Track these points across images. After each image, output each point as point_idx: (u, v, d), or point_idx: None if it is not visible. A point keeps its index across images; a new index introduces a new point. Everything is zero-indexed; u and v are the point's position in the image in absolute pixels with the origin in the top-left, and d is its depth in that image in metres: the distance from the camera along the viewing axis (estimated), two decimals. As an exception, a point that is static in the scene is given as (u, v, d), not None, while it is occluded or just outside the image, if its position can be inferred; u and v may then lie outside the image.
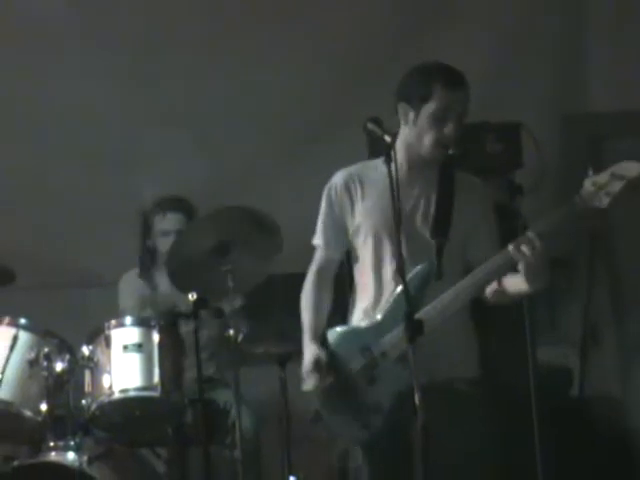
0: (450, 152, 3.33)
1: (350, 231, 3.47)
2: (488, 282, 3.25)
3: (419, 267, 3.28)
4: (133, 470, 4.14)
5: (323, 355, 3.37)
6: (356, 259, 3.50)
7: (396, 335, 3.23)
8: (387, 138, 3.09)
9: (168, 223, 4.57)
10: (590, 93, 4.99)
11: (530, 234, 3.11)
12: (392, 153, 3.04)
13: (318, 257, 3.55)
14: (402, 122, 3.37)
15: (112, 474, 3.95)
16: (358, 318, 3.47)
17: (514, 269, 3.17)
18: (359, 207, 3.44)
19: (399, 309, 3.14)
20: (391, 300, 3.33)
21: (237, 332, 3.91)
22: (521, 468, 3.31)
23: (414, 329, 2.91)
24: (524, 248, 3.10)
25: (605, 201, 3.05)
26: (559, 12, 5.01)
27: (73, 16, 4.89)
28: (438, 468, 2.89)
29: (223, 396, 4.29)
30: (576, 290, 4.48)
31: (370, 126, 3.19)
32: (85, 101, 4.91)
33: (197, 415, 4.01)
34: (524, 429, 3.23)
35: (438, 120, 3.28)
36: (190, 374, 4.03)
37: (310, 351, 3.40)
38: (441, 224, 3.34)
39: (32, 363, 4.03)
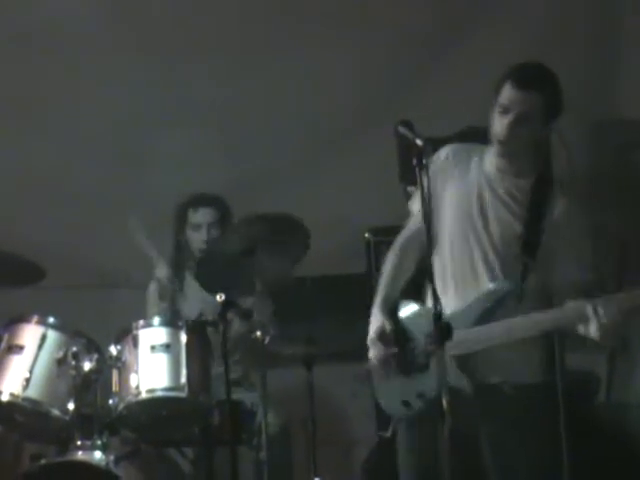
0: None
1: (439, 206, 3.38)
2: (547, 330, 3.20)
3: (507, 284, 3.25)
4: (159, 470, 4.15)
5: (389, 326, 3.37)
6: (438, 244, 3.41)
7: (461, 335, 3.16)
8: (419, 142, 3.07)
9: (200, 217, 4.63)
10: (621, 100, 4.95)
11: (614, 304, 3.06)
12: (424, 158, 3.04)
13: (411, 223, 3.50)
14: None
15: (138, 474, 3.97)
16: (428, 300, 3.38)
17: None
18: (451, 189, 3.39)
19: (470, 312, 3.22)
20: (470, 301, 3.28)
21: (264, 334, 3.92)
22: (548, 472, 3.29)
23: (442, 333, 2.91)
24: (600, 312, 3.05)
25: None
26: (591, 17, 4.98)
27: (94, 16, 4.92)
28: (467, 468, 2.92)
29: (250, 398, 4.30)
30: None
31: (402, 129, 3.17)
32: (114, 102, 4.93)
33: (224, 416, 4.02)
34: (551, 434, 3.21)
35: (499, 114, 3.28)
36: (217, 375, 4.04)
37: (377, 320, 3.40)
38: (528, 243, 3.27)
39: (60, 362, 4.04)
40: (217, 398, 4.01)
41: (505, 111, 3.27)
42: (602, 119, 4.93)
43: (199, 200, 4.66)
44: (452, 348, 3.09)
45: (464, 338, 3.18)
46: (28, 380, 3.99)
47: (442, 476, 2.89)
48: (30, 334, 4.09)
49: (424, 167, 3.01)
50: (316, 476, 4.08)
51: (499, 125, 3.28)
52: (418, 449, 3.35)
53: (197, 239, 4.61)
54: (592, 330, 3.06)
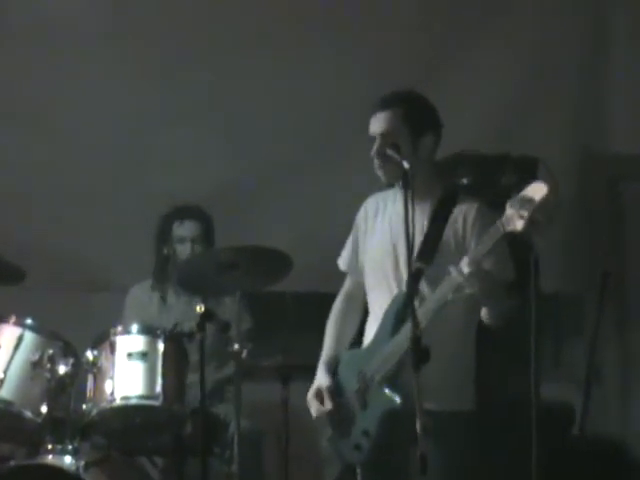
0: (464, 181, 3.36)
1: (360, 257, 3.49)
2: (440, 309, 3.17)
3: (393, 299, 3.30)
4: (129, 478, 4.14)
5: (325, 382, 3.42)
6: (366, 284, 3.50)
7: (379, 357, 3.24)
8: (405, 165, 3.10)
9: (185, 230, 4.63)
10: (611, 133, 4.98)
11: (466, 261, 3.09)
12: (409, 180, 3.05)
13: (346, 282, 3.59)
14: None
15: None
16: (366, 341, 3.47)
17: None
18: (368, 237, 3.47)
19: (383, 331, 3.27)
20: (378, 322, 3.34)
21: (242, 347, 3.91)
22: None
23: (420, 356, 2.90)
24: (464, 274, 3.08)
25: (519, 225, 2.96)
26: (581, 51, 5.02)
27: (100, 15, 4.92)
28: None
29: (223, 410, 4.29)
30: (583, 328, 4.47)
31: (389, 152, 3.21)
32: (108, 101, 4.93)
33: (197, 426, 4.01)
34: (523, 465, 3.20)
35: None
36: (192, 383, 4.03)
37: (317, 379, 3.46)
38: (426, 250, 3.30)
39: (35, 364, 4.02)
40: (191, 407, 4.01)
41: (373, 140, 3.34)
42: (592, 152, 4.95)
43: (184, 213, 4.66)
44: (378, 373, 3.21)
45: (381, 359, 3.23)
46: (2, 381, 3.98)
47: None
48: (7, 334, 4.08)
49: (408, 190, 3.03)
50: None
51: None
52: None
53: (182, 252, 4.60)
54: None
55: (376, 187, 3.48)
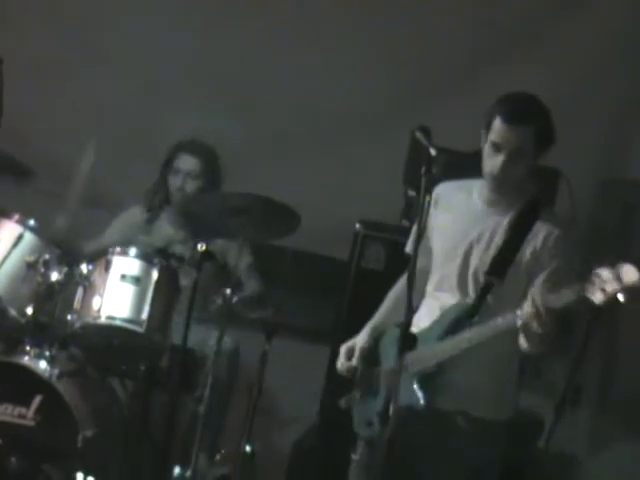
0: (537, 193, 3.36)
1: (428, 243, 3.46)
2: (486, 341, 3.14)
3: (457, 304, 3.28)
4: (98, 394, 4.21)
5: (362, 343, 3.46)
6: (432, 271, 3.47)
7: (423, 352, 3.19)
8: (432, 151, 3.08)
9: (182, 163, 4.68)
10: (631, 160, 5.01)
11: (538, 303, 3.01)
12: (432, 167, 3.06)
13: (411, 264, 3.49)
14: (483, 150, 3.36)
15: (77, 393, 4.02)
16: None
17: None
18: (438, 222, 3.42)
19: (437, 330, 3.25)
20: (433, 317, 3.32)
21: (233, 292, 3.95)
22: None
23: (407, 342, 2.94)
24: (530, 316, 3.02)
25: (598, 298, 2.89)
26: (605, 78, 5.02)
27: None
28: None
29: (201, 331, 4.30)
30: (568, 347, 4.49)
31: (418, 134, 3.19)
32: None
33: (173, 361, 4.07)
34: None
35: (492, 151, 3.26)
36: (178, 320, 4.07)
37: (358, 336, 3.49)
38: (500, 263, 3.27)
39: (30, 265, 4.09)
40: (172, 342, 4.06)
41: (497, 149, 3.25)
42: (613, 177, 4.97)
43: (186, 147, 4.70)
44: (414, 365, 3.16)
45: (422, 354, 3.21)
46: (-7, 276, 4.05)
47: None
48: (8, 230, 4.14)
49: (431, 176, 3.04)
50: (248, 442, 4.12)
51: (492, 163, 3.26)
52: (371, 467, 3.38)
53: (173, 183, 4.66)
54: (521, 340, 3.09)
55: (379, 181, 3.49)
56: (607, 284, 2.86)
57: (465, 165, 3.55)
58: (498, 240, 3.29)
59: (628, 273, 2.86)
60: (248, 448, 4.11)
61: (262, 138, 5.04)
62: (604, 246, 3.79)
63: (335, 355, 3.58)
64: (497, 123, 3.24)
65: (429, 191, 3.03)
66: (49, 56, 4.96)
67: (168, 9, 5.09)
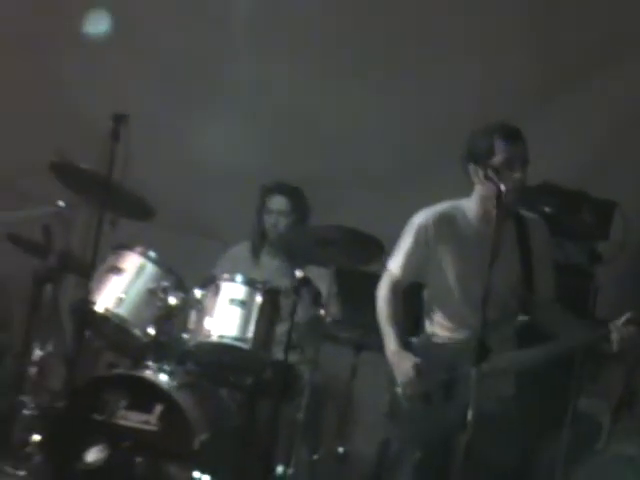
0: (546, 210, 3.89)
1: (431, 264, 3.94)
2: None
3: (519, 319, 3.80)
4: (211, 404, 4.76)
5: (420, 362, 3.83)
6: (432, 287, 4.00)
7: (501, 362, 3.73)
8: (502, 187, 3.59)
9: (274, 204, 5.24)
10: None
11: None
12: (499, 203, 3.57)
13: (392, 278, 4.02)
14: (475, 181, 3.86)
15: (193, 402, 4.56)
16: (440, 334, 3.98)
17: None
18: (446, 248, 3.91)
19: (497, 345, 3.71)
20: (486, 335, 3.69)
21: (327, 314, 4.52)
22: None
23: (482, 354, 3.46)
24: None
25: (615, 347, 3.58)
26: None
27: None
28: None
29: (299, 361, 4.87)
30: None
31: (490, 174, 3.71)
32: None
33: (276, 373, 4.62)
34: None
35: (507, 169, 3.74)
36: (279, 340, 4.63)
37: (406, 358, 3.85)
38: (528, 280, 3.82)
39: (151, 292, 4.71)
40: (275, 357, 4.63)
41: (511, 166, 3.74)
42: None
43: (275, 188, 5.25)
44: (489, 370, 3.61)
45: (499, 362, 3.71)
46: (121, 300, 4.68)
47: None
48: (132, 261, 4.77)
49: (502, 211, 3.56)
50: (341, 445, 4.67)
51: (516, 177, 3.75)
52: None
53: (268, 222, 5.23)
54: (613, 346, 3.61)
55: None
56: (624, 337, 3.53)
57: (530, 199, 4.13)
58: (510, 257, 3.80)
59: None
60: (341, 450, 4.68)
61: (345, 172, 5.56)
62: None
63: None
64: (502, 145, 3.74)
65: (500, 220, 3.56)
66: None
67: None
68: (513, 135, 3.79)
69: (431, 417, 3.86)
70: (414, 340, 4.01)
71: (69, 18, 5.43)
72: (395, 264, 4.03)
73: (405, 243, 3.99)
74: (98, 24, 5.42)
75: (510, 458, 3.80)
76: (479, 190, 3.88)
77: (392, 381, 3.94)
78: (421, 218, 3.96)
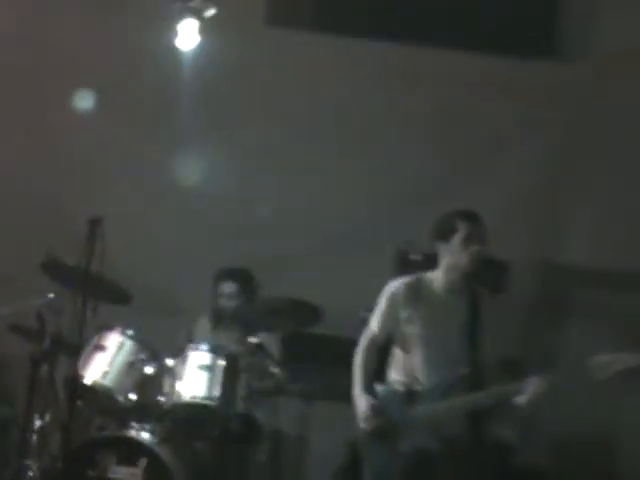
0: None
1: (401, 325, 4.74)
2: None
3: (462, 370, 4.59)
4: (187, 454, 5.58)
5: (373, 402, 4.65)
6: (399, 342, 4.78)
7: (429, 408, 4.57)
8: (414, 257, 4.55)
9: (225, 288, 6.12)
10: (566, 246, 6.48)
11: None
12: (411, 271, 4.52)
13: (370, 335, 4.83)
14: (442, 255, 4.73)
15: (172, 454, 5.38)
16: (394, 383, 4.77)
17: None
18: (415, 313, 4.71)
19: (433, 394, 4.59)
20: (430, 386, 4.64)
21: (281, 372, 5.42)
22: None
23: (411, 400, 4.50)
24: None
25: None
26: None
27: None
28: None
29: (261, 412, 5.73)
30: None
31: (403, 247, 4.63)
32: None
33: (241, 425, 5.47)
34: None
35: (467, 243, 4.64)
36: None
37: (365, 399, 4.67)
38: (475, 340, 4.63)
39: (130, 364, 5.54)
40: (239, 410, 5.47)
41: (470, 240, 4.61)
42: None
43: (226, 274, 6.13)
44: (423, 415, 4.51)
45: (430, 409, 4.57)
46: (106, 372, 5.50)
47: None
48: (113, 339, 5.61)
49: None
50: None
51: (465, 256, 4.64)
52: None
53: (222, 303, 6.12)
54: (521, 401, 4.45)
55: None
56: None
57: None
58: (466, 321, 4.66)
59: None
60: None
61: (283, 253, 6.47)
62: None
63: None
64: (464, 224, 4.63)
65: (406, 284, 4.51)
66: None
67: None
68: (472, 217, 4.68)
69: (385, 451, 4.62)
70: (377, 386, 4.78)
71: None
72: (373, 323, 4.83)
73: (380, 305, 4.81)
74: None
75: None
76: (444, 263, 4.73)
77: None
78: (393, 286, 4.80)
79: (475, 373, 4.61)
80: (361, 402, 4.68)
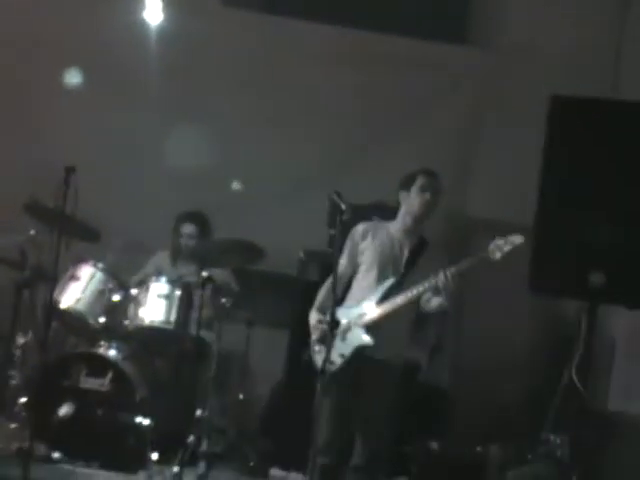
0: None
1: (358, 256, 5.43)
2: (419, 296, 5.20)
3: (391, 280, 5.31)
4: (148, 370, 6.49)
5: (321, 317, 5.27)
6: (357, 273, 5.45)
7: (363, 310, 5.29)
8: (343, 206, 5.10)
9: (185, 229, 6.96)
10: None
11: (453, 270, 5.04)
12: (340, 218, 5.03)
13: (340, 268, 5.32)
14: (402, 202, 5.41)
15: (134, 369, 6.29)
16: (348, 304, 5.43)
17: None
18: (370, 245, 5.39)
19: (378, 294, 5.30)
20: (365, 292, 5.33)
21: (227, 301, 6.36)
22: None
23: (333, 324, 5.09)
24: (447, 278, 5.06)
25: (497, 255, 4.92)
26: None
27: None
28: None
29: (209, 336, 6.59)
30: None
31: (333, 197, 5.22)
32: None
33: (193, 345, 6.37)
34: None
35: (422, 191, 5.31)
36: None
37: (315, 313, 5.33)
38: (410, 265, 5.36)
39: (100, 292, 6.43)
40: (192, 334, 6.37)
41: (424, 190, 5.29)
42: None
43: (187, 217, 6.96)
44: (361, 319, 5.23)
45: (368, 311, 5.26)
46: (79, 299, 6.40)
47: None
48: (86, 271, 6.48)
49: (342, 222, 5.06)
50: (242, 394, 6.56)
51: (419, 201, 5.30)
52: (336, 396, 5.21)
53: (182, 242, 6.96)
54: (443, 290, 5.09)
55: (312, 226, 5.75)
56: (505, 246, 4.92)
57: (364, 214, 5.94)
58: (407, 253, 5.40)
59: (516, 238, 4.91)
60: (241, 397, 6.56)
61: (234, 201, 7.18)
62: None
63: (294, 336, 6.10)
64: (420, 177, 5.33)
65: (341, 230, 5.10)
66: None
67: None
68: (430, 172, 5.36)
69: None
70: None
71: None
72: (342, 258, 5.44)
73: (346, 245, 5.46)
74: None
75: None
76: (404, 209, 5.40)
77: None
78: (355, 228, 5.48)
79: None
80: (312, 315, 5.41)
